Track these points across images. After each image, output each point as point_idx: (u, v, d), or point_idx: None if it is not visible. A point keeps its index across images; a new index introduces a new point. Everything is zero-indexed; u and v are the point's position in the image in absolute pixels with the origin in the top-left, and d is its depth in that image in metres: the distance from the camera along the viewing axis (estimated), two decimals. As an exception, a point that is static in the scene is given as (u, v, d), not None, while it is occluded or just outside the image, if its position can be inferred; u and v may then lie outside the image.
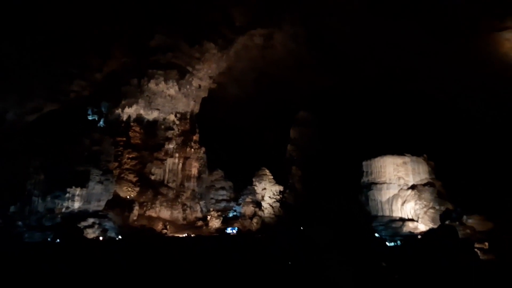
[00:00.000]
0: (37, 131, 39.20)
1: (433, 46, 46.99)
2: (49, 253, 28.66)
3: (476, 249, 30.74)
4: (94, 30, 40.84)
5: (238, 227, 49.70)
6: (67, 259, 27.22)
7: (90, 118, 44.63)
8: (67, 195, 37.08)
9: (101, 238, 35.92)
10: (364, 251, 25.96)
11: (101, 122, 46.11)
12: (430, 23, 44.53)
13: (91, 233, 36.37)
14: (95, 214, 39.57)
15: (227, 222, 53.02)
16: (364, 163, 48.35)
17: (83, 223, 36.96)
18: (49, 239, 33.57)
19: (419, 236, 37.66)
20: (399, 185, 45.22)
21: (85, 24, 39.40)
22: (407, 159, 46.20)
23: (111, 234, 37.53)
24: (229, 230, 48.19)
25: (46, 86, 38.42)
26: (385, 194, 45.55)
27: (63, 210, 37.57)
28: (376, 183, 46.45)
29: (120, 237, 37.29)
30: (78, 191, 37.68)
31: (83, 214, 38.35)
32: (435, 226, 39.39)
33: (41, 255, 27.75)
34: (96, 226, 37.57)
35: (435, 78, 51.30)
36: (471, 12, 40.95)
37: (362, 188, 47.82)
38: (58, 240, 32.69)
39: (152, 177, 52.69)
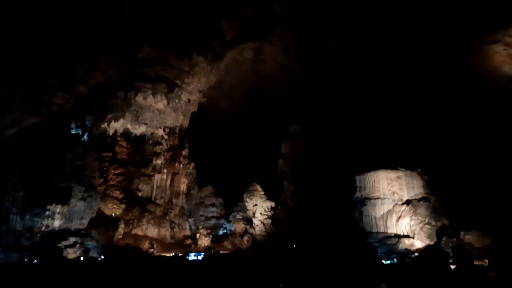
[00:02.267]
0: (15, 146, 37.42)
1: (426, 61, 46.57)
2: (24, 275, 26.87)
3: (476, 267, 29.50)
4: (78, 40, 39.46)
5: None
6: (44, 281, 25.50)
7: (73, 132, 42.97)
8: (47, 212, 35.14)
9: (82, 258, 33.91)
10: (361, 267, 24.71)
11: (85, 137, 44.41)
12: (421, 37, 44.18)
13: (71, 253, 34.40)
14: (77, 232, 37.62)
15: (217, 240, 51.25)
16: (357, 177, 47.23)
17: (64, 243, 34.99)
18: (25, 259, 31.54)
19: (416, 254, 36.32)
20: (394, 200, 44.07)
21: (69, 33, 38.01)
22: (401, 173, 45.20)
23: (93, 254, 35.58)
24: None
25: (25, 98, 36.72)
26: (379, 209, 44.33)
27: (43, 228, 35.59)
28: (370, 198, 45.26)
29: (102, 257, 35.27)
30: (58, 208, 35.75)
31: (64, 233, 36.38)
32: (432, 243, 38.24)
33: (15, 277, 25.93)
34: (77, 246, 35.62)
35: (431, 86, 50.80)
36: (461, 25, 40.66)
37: (356, 204, 46.58)
38: (35, 260, 30.68)
39: (139, 194, 50.91)
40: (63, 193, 36.39)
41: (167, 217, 51.52)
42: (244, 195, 54.91)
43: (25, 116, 37.96)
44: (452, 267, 28.74)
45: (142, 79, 49.31)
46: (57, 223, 35.89)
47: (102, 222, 43.95)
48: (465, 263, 29.27)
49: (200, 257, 39.49)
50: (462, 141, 48.80)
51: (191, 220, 54.58)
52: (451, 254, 31.18)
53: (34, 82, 36.32)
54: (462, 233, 36.76)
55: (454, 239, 36.28)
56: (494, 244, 35.42)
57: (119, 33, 44.51)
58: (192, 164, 57.20)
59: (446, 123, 50.76)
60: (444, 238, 37.11)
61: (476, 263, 30.85)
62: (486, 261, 30.92)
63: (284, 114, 64.42)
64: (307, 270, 20.70)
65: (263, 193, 55.04)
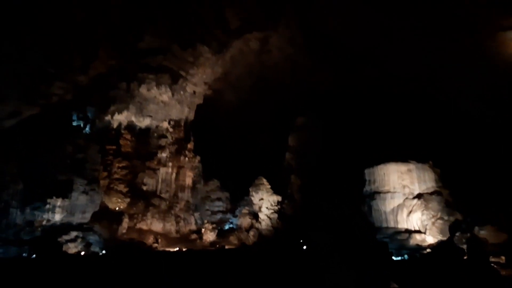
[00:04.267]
0: (15, 137, 36.68)
1: (436, 47, 44.76)
2: (21, 270, 26.17)
3: (492, 264, 28.02)
4: (76, 28, 38.35)
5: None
6: (41, 276, 24.77)
7: (74, 124, 42.10)
8: (47, 206, 34.32)
9: (82, 253, 33.15)
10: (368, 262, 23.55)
11: (87, 128, 43.50)
12: (432, 22, 42.35)
13: (72, 248, 33.60)
14: (79, 227, 36.80)
15: (223, 235, 50.30)
16: (366, 171, 45.89)
17: (65, 237, 34.17)
18: (24, 254, 30.86)
19: (428, 250, 34.93)
20: (404, 194, 42.70)
21: (67, 20, 36.84)
22: (411, 166, 43.75)
23: (95, 248, 34.78)
24: None
25: (22, 88, 35.84)
26: (389, 204, 42.99)
27: (44, 222, 34.82)
28: (379, 192, 43.94)
29: (104, 251, 34.48)
30: (59, 202, 34.91)
31: (65, 227, 35.59)
32: (444, 238, 36.85)
33: (12, 272, 25.22)
34: (79, 240, 34.80)
35: (438, 80, 49.05)
36: (474, 9, 38.72)
37: (365, 198, 45.24)
38: (34, 255, 29.98)
39: (144, 188, 50.01)
40: (64, 186, 35.58)
41: (172, 211, 50.61)
42: (250, 189, 53.78)
43: (24, 106, 37.23)
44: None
45: (145, 69, 48.12)
46: (58, 217, 35.08)
47: (106, 216, 43.12)
48: (481, 258, 27.95)
49: None
50: (473, 137, 47.25)
51: (196, 214, 53.65)
52: (465, 250, 29.77)
53: (31, 71, 35.41)
54: (476, 228, 35.26)
55: (468, 234, 34.76)
56: (510, 239, 34.02)
57: (119, 21, 43.29)
58: (198, 158, 56.18)
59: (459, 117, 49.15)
60: (457, 234, 35.64)
61: (492, 259, 29.34)
62: (503, 258, 29.43)
63: (291, 106, 63.09)
64: (310, 272, 19.66)
65: (270, 187, 53.81)
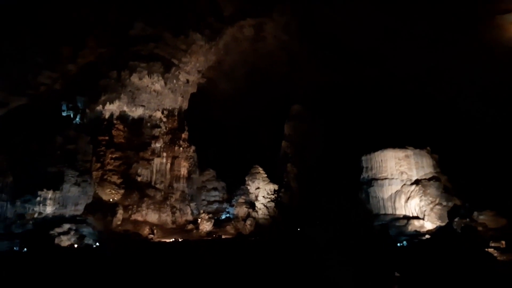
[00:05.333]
0: (3, 129, 35.64)
1: (432, 36, 43.80)
2: (12, 264, 25.49)
3: (492, 249, 27.62)
4: (63, 15, 36.99)
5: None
6: (33, 270, 24.07)
7: (64, 114, 40.95)
8: (38, 198, 33.48)
9: (76, 245, 32.43)
10: (369, 253, 23.04)
11: (77, 119, 42.41)
12: (427, 8, 41.36)
13: (65, 240, 32.86)
14: (72, 219, 36.06)
15: (219, 224, 49.77)
16: (363, 157, 45.21)
17: (57, 230, 33.43)
18: (15, 248, 30.11)
19: (427, 236, 34.51)
20: (402, 181, 42.10)
21: (54, 7, 35.49)
22: (409, 152, 43.09)
23: (89, 241, 34.06)
24: None
25: (8, 77, 34.61)
26: (387, 190, 42.41)
27: (36, 215, 34.05)
28: (377, 179, 43.33)
29: (97, 244, 33.78)
30: (50, 194, 34.08)
31: (58, 220, 34.83)
32: (443, 224, 36.42)
33: (3, 267, 24.51)
34: (72, 233, 34.05)
35: (436, 74, 48.21)
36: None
37: (362, 185, 44.69)
38: (25, 249, 29.23)
39: (139, 178, 49.25)
40: (54, 178, 34.72)
41: (168, 202, 49.96)
42: (246, 178, 53.21)
43: (11, 97, 36.03)
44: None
45: (136, 58, 46.95)
46: (49, 209, 34.28)
47: (100, 208, 42.43)
48: (477, 245, 27.53)
49: None
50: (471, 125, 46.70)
51: (192, 204, 53.03)
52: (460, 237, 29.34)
53: (17, 59, 34.17)
54: (475, 213, 34.76)
55: (467, 219, 34.34)
56: (509, 224, 33.63)
57: (109, 7, 41.96)
58: (193, 147, 55.39)
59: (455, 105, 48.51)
60: (456, 219, 35.19)
61: (492, 244, 28.93)
62: (503, 242, 28.99)
63: (286, 95, 62.25)
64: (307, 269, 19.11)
65: (266, 175, 53.29)
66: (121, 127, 49.35)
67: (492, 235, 31.99)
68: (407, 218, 39.75)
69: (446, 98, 49.25)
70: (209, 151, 59.40)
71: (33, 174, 34.59)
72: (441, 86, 48.76)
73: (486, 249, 27.52)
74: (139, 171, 49.41)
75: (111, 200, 45.29)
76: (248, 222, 48.78)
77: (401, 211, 41.02)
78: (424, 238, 34.51)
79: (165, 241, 41.30)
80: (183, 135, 54.67)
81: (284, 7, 52.43)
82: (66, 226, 34.46)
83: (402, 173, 42.40)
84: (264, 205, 50.47)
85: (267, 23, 54.92)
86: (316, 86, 60.26)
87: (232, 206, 52.71)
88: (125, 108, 49.40)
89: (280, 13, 53.29)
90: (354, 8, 45.70)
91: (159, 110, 52.50)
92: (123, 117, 49.80)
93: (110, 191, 45.94)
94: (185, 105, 56.56)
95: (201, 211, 51.26)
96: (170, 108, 54.19)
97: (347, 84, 57.58)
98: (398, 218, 40.19)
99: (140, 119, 51.24)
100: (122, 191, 46.63)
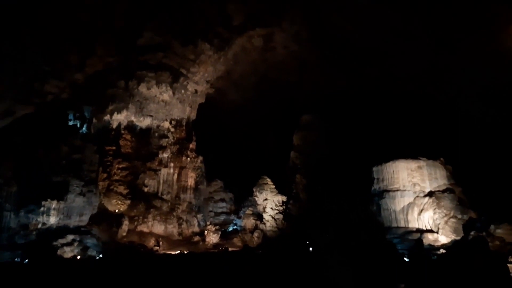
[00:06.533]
0: (9, 138, 35.43)
1: (448, 43, 42.84)
2: (12, 275, 24.85)
3: (511, 264, 26.14)
4: (72, 23, 36.89)
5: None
6: (33, 282, 23.42)
7: (71, 123, 40.76)
8: (42, 208, 32.99)
9: (78, 257, 31.74)
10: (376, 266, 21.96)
11: (84, 128, 42.14)
12: (442, 15, 40.56)
13: (68, 252, 32.21)
14: (76, 230, 35.47)
15: (226, 236, 48.79)
16: (374, 168, 44.09)
17: (61, 241, 32.83)
18: (16, 259, 29.50)
19: (442, 250, 33.07)
20: (415, 192, 40.82)
21: (61, 15, 35.39)
22: (422, 163, 41.85)
23: (92, 252, 33.37)
24: None
25: (15, 86, 34.46)
26: (399, 202, 41.14)
27: (39, 226, 33.53)
28: (388, 191, 42.10)
29: (101, 255, 33.05)
30: (54, 204, 33.56)
31: (61, 230, 34.25)
32: (458, 238, 34.96)
33: (4, 279, 23.90)
34: (75, 244, 33.42)
35: (448, 80, 47.14)
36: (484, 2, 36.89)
37: (373, 197, 43.45)
38: (26, 260, 28.63)
39: (145, 189, 48.66)
40: (59, 188, 34.24)
41: (175, 213, 49.17)
42: (254, 189, 52.26)
43: (17, 105, 35.90)
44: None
45: (144, 67, 46.74)
46: (53, 219, 33.72)
47: (105, 219, 41.85)
48: (495, 260, 26.14)
49: None
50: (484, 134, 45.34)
51: (199, 216, 52.15)
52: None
53: (25, 68, 34.07)
54: (492, 226, 33.36)
55: (484, 233, 32.85)
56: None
57: (117, 16, 41.85)
58: (200, 158, 54.75)
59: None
60: (472, 233, 33.69)
61: (511, 259, 27.46)
62: (523, 257, 27.54)
63: (296, 105, 61.52)
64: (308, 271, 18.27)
65: (274, 186, 52.28)
66: (128, 137, 49.02)
67: (510, 249, 30.58)
68: (421, 231, 38.37)
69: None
70: (217, 162, 58.72)
71: (38, 184, 34.18)
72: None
73: (506, 264, 26.22)
74: (146, 181, 48.86)
75: (117, 210, 44.70)
76: (256, 234, 47.69)
77: (414, 224, 39.68)
78: (439, 252, 33.07)
79: (170, 253, 40.45)
80: (190, 145, 54.15)
81: (294, 17, 52.05)
82: (70, 237, 33.85)
83: (414, 184, 41.14)
84: (272, 217, 49.37)
85: (277, 33, 54.52)
86: (326, 94, 59.51)
87: (239, 217, 51.75)
88: (132, 118, 49.15)
89: (289, 23, 52.88)
90: (365, 15, 45.12)
91: (167, 120, 52.15)
92: (130, 127, 49.53)
93: (116, 201, 45.38)
94: (193, 115, 56.18)
95: (208, 223, 50.38)
96: (178, 118, 53.82)
97: (357, 91, 56.76)
98: (411, 232, 38.82)
99: (148, 129, 50.91)
100: (128, 201, 46.04)
